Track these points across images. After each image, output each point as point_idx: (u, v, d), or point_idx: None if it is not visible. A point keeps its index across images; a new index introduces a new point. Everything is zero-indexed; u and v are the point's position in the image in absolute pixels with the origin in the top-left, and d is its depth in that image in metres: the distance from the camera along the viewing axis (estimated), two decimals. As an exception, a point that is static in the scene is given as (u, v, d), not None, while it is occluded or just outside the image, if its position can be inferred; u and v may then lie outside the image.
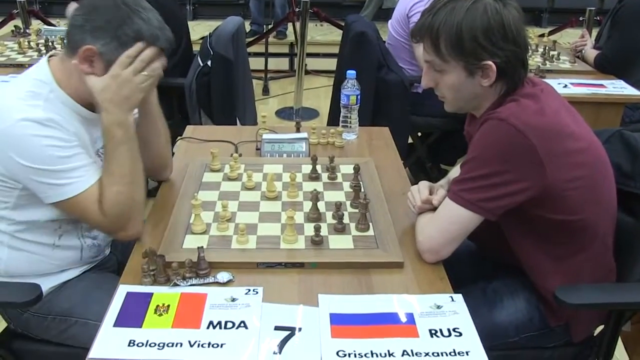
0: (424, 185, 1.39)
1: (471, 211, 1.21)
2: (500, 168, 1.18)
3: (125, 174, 1.27)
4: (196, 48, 2.90)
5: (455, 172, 1.43)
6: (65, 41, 1.27)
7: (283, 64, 5.49)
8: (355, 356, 1.01)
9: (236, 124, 2.63)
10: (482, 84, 1.22)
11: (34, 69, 1.30)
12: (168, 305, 1.12)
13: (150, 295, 1.15)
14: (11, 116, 1.18)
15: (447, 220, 1.24)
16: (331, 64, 4.55)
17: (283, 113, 4.46)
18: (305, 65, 4.30)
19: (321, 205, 1.45)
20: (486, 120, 1.21)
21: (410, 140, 3.10)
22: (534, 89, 1.24)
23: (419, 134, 3.19)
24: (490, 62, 1.18)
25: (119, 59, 1.23)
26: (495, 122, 1.18)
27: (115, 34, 1.22)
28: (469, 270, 1.47)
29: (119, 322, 1.08)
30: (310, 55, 4.66)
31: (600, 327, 1.38)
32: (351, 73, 1.89)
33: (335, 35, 5.31)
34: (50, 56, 1.33)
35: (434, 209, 1.32)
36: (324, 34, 5.73)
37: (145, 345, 1.03)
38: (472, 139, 1.25)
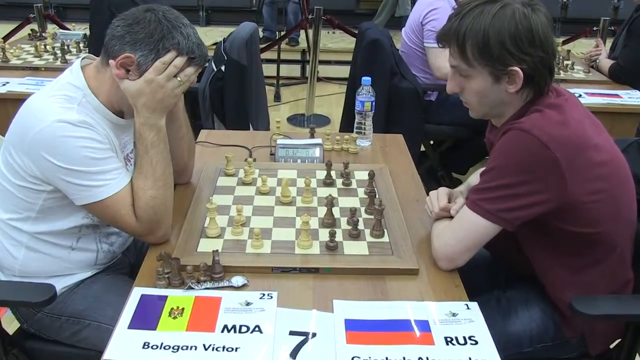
0: (443, 191, 1.39)
1: (489, 221, 1.20)
2: (521, 179, 1.17)
3: (158, 177, 1.29)
4: (209, 53, 2.92)
5: (474, 178, 1.42)
6: (102, 49, 1.29)
7: (295, 70, 5.51)
8: (370, 363, 1.00)
9: (249, 129, 2.64)
10: (508, 90, 1.21)
11: (67, 74, 1.32)
12: (182, 309, 1.12)
13: (165, 298, 1.15)
14: (46, 118, 1.20)
15: (464, 229, 1.24)
16: (343, 71, 4.58)
17: (294, 120, 4.47)
18: (317, 72, 4.31)
19: (336, 211, 1.45)
20: (509, 130, 1.20)
21: (422, 148, 3.10)
22: (558, 100, 1.23)
23: (431, 141, 3.18)
24: (516, 68, 1.17)
25: (154, 65, 1.25)
26: (518, 133, 1.17)
27: (155, 47, 1.24)
28: (483, 278, 1.46)
29: (134, 324, 1.08)
30: (322, 62, 4.67)
31: (619, 341, 1.36)
32: (366, 80, 1.89)
33: (347, 42, 5.33)
34: (83, 59, 1.36)
35: (452, 216, 1.31)
36: (336, 42, 5.76)
37: (160, 348, 1.03)
38: (494, 148, 1.24)
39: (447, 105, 2.78)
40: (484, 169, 1.27)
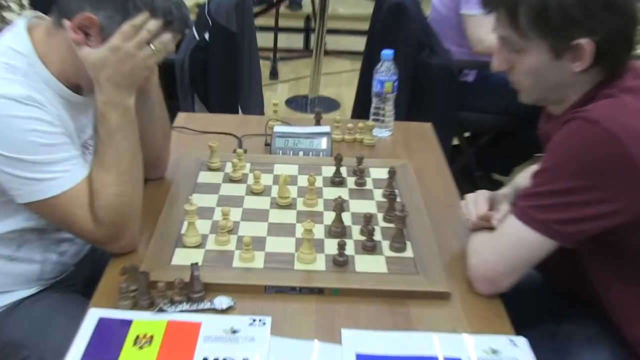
0: (483, 195, 1.38)
1: (542, 234, 1.19)
2: (585, 183, 1.16)
3: (124, 170, 1.29)
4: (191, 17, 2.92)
5: (523, 179, 1.42)
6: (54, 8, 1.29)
7: (296, 41, 5.52)
8: (388, 410, 1.01)
9: (238, 113, 2.64)
10: (572, 69, 1.20)
11: (8, 36, 1.31)
12: (151, 336, 1.12)
13: (129, 322, 1.15)
14: None
15: (509, 243, 1.23)
16: (357, 43, 4.58)
17: (294, 103, 4.48)
18: (325, 44, 4.32)
19: (346, 217, 1.45)
20: (571, 120, 1.19)
21: (455, 141, 3.10)
22: (638, 82, 1.22)
23: (467, 133, 3.18)
24: (584, 41, 1.16)
25: (121, 29, 1.24)
26: (584, 124, 1.15)
27: (122, 5, 1.23)
28: (533, 307, 1.45)
29: (88, 356, 1.08)
30: (330, 31, 4.67)
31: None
32: (387, 53, 1.89)
33: (363, 7, 5.34)
34: (31, 18, 1.34)
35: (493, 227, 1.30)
36: (349, 6, 5.76)
37: (122, 385, 1.03)
38: (550, 143, 1.23)
39: (489, 87, 2.78)
40: (536, 168, 1.26)
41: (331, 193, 1.55)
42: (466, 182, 3.09)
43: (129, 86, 1.29)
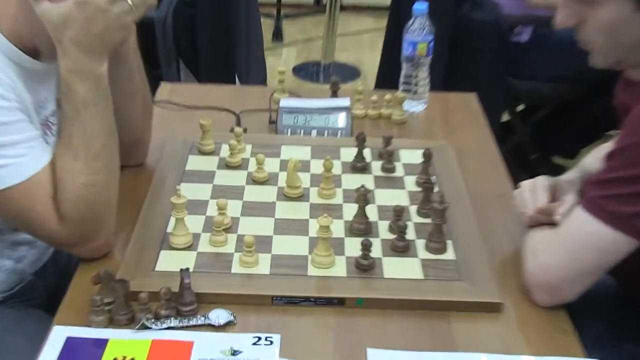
0: (542, 183, 1.38)
1: (618, 231, 1.19)
2: None
3: (95, 155, 1.29)
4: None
5: (592, 161, 1.42)
6: None
7: (305, -6, 5.53)
8: None
9: (234, 83, 2.64)
10: None
11: None
12: (132, 359, 1.12)
13: (105, 342, 1.16)
14: None
15: (577, 242, 1.23)
16: (382, -5, 4.58)
17: (304, 71, 4.47)
18: (341, -4, 4.32)
19: (371, 211, 1.45)
20: None
21: (506, 117, 3.09)
22: None
23: (520, 106, 3.17)
24: None
25: None
26: None
27: None
28: (607, 322, 1.46)
29: (54, 383, 1.09)
30: (348, -19, 4.68)
31: None
32: (420, 7, 1.89)
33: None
34: None
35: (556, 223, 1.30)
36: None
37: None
38: (629, 117, 1.22)
39: (547, 48, 2.77)
40: (609, 147, 1.25)
41: (352, 181, 1.55)
42: (520, 167, 3.07)
43: (100, 50, 1.28)
